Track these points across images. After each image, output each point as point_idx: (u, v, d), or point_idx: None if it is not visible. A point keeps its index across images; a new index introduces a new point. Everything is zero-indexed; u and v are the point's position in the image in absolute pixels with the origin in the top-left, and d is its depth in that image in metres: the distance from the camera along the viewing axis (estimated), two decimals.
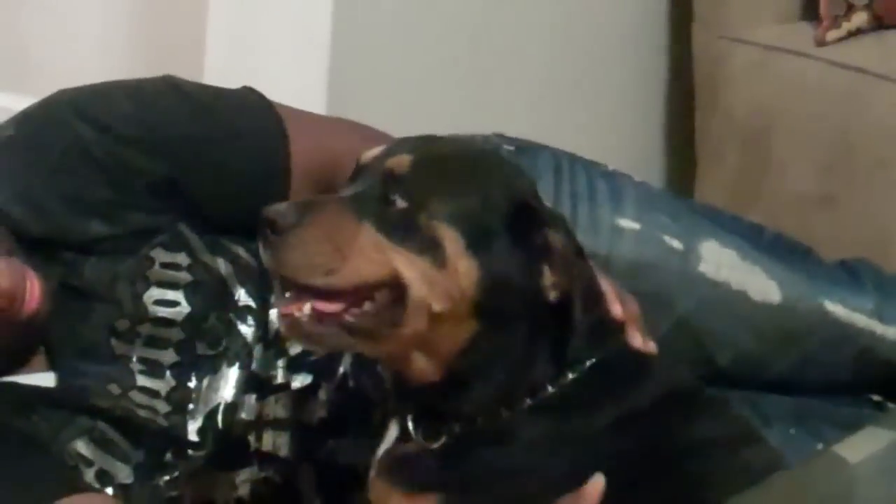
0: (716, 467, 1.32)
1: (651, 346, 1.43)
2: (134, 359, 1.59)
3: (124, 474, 1.56)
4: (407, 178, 1.30)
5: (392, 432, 1.38)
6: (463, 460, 1.32)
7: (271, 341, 1.61)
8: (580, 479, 1.27)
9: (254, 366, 1.60)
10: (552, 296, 1.31)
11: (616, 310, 1.40)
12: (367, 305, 1.29)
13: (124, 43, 2.43)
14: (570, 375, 1.34)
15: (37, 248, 1.58)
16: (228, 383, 1.59)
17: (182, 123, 1.61)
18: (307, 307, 1.28)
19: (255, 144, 1.63)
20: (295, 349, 1.61)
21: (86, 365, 1.59)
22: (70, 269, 1.59)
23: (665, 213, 1.91)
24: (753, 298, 1.89)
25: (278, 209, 1.27)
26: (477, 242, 1.29)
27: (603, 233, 1.86)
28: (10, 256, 1.53)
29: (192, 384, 1.59)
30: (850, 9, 2.47)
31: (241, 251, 1.63)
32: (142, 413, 1.57)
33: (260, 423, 1.61)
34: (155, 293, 1.59)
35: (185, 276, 1.59)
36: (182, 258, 1.60)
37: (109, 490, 1.55)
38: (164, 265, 1.59)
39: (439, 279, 1.28)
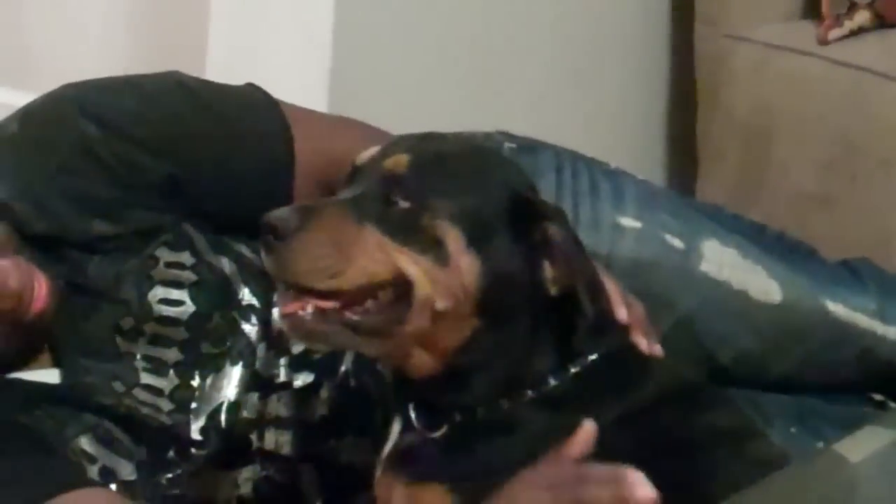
0: (720, 462, 1.32)
1: (656, 350, 1.44)
2: (138, 357, 1.59)
3: (128, 471, 1.56)
4: (406, 178, 1.30)
5: (395, 428, 1.38)
6: (464, 450, 1.33)
7: (274, 340, 1.61)
8: None
9: (257, 364, 1.61)
10: (553, 290, 1.32)
11: (621, 313, 1.41)
12: (370, 303, 1.29)
13: (126, 40, 2.43)
14: (573, 369, 1.34)
15: (41, 246, 1.59)
16: (232, 382, 1.59)
17: (187, 122, 1.61)
18: (310, 306, 1.28)
19: (260, 143, 1.64)
20: (297, 348, 1.61)
21: (90, 362, 1.59)
22: (74, 268, 1.60)
23: (666, 212, 1.91)
24: (755, 298, 1.89)
25: (280, 215, 1.27)
26: (478, 239, 1.30)
27: (604, 231, 1.86)
28: (17, 255, 1.54)
29: (196, 382, 1.59)
30: (853, 7, 2.47)
31: (244, 250, 1.63)
32: (145, 411, 1.57)
33: (262, 422, 1.61)
34: (159, 292, 1.59)
35: (189, 276, 1.60)
36: (186, 257, 1.60)
37: (113, 487, 1.55)
38: (169, 264, 1.59)
39: (442, 277, 1.29)
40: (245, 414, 1.60)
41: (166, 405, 1.58)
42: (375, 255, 1.28)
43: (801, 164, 2.48)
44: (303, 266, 1.26)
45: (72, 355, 1.60)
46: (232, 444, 1.60)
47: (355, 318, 1.29)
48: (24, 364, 1.60)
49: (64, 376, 1.60)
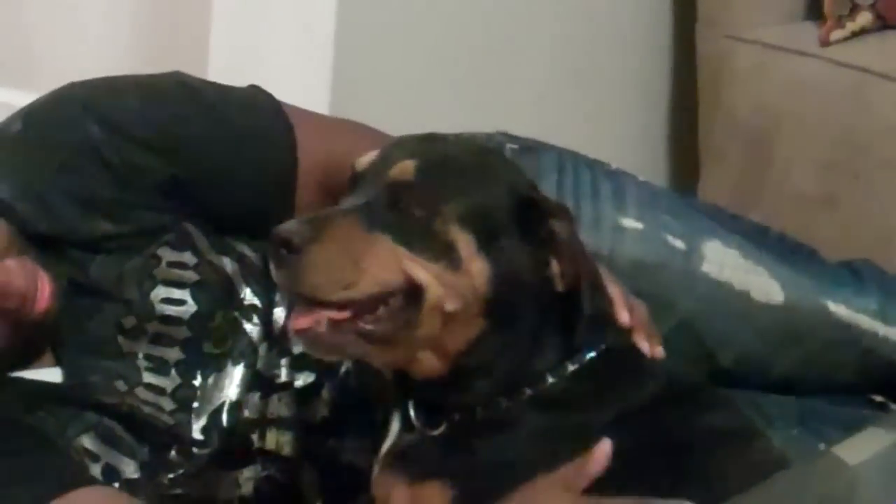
0: (719, 463, 1.32)
1: (658, 352, 1.44)
2: (140, 356, 1.59)
3: (131, 469, 1.57)
4: (414, 185, 1.31)
5: (394, 427, 1.39)
6: (463, 449, 1.33)
7: (275, 340, 1.61)
8: None
9: (258, 364, 1.61)
10: (560, 286, 1.33)
11: (623, 317, 1.41)
12: (381, 310, 1.30)
13: (128, 40, 2.43)
14: (571, 367, 1.35)
15: (43, 245, 1.59)
16: (233, 382, 1.60)
17: (191, 123, 1.61)
18: (324, 319, 1.28)
19: (263, 144, 1.64)
20: (298, 348, 1.61)
21: (93, 361, 1.59)
22: (77, 268, 1.60)
23: (668, 213, 1.91)
24: (756, 299, 1.89)
25: (291, 228, 1.26)
26: (488, 242, 1.31)
27: (605, 232, 1.87)
28: (22, 256, 1.54)
29: (198, 382, 1.59)
30: (855, 9, 2.47)
31: (246, 250, 1.63)
32: (147, 410, 1.58)
33: (263, 422, 1.62)
34: (162, 292, 1.59)
35: (191, 275, 1.60)
36: (188, 257, 1.60)
37: (116, 485, 1.55)
38: (171, 264, 1.60)
39: (454, 281, 1.29)
40: (246, 414, 1.61)
41: (168, 404, 1.59)
42: (388, 263, 1.28)
43: (802, 164, 2.48)
44: (318, 279, 1.26)
45: (74, 354, 1.60)
46: (233, 443, 1.60)
47: (368, 327, 1.30)
48: (26, 363, 1.60)
49: (66, 375, 1.60)
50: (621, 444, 1.27)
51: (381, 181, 1.32)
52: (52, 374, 1.61)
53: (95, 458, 1.56)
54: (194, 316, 1.60)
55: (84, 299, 1.60)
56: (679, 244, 1.89)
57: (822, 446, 1.74)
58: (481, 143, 1.81)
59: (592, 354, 1.36)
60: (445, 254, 1.29)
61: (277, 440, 1.62)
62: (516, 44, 2.55)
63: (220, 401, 1.59)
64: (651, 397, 1.36)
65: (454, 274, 1.29)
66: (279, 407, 1.62)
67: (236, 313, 1.60)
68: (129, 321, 1.60)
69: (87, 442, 1.56)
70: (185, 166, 1.60)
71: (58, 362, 1.62)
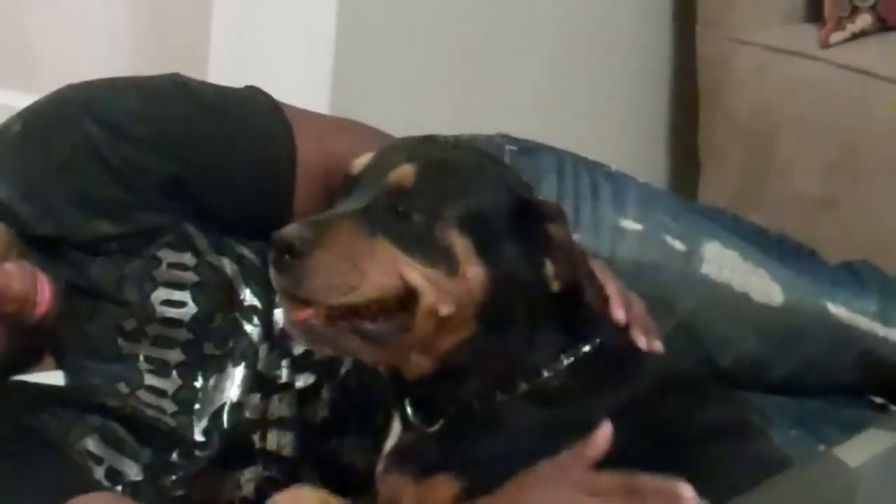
0: (719, 458, 1.33)
1: (657, 347, 1.44)
2: (141, 358, 1.59)
3: (134, 472, 1.57)
4: (413, 190, 1.31)
5: (396, 427, 1.39)
6: (463, 443, 1.34)
7: (276, 341, 1.61)
8: None
9: (259, 365, 1.61)
10: (554, 287, 1.34)
11: (619, 314, 1.42)
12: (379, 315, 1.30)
13: (129, 41, 2.43)
14: (566, 361, 1.35)
15: (44, 247, 1.59)
16: (234, 383, 1.60)
17: (190, 123, 1.61)
18: (321, 311, 1.29)
19: (262, 144, 1.64)
20: (299, 349, 1.62)
21: (93, 364, 1.60)
22: (76, 270, 1.60)
23: (668, 214, 1.92)
24: (756, 300, 1.90)
25: (292, 232, 1.26)
26: (485, 247, 1.32)
27: (605, 233, 1.87)
28: (22, 259, 1.54)
29: (199, 384, 1.59)
30: (855, 11, 2.47)
31: (245, 251, 1.63)
32: (150, 412, 1.58)
33: (264, 423, 1.62)
34: (162, 293, 1.59)
35: (191, 277, 1.60)
36: (188, 258, 1.60)
37: (119, 488, 1.55)
38: (171, 265, 1.60)
39: (451, 286, 1.30)
40: (247, 415, 1.61)
41: (170, 406, 1.59)
42: (388, 268, 1.29)
43: (802, 166, 2.48)
44: (319, 283, 1.26)
45: (75, 357, 1.60)
46: (234, 444, 1.60)
47: (364, 325, 1.30)
48: (27, 366, 1.60)
49: (68, 378, 1.60)
50: (621, 437, 1.28)
51: (380, 185, 1.32)
52: (54, 378, 1.61)
53: (99, 460, 1.56)
54: (195, 317, 1.60)
55: (84, 302, 1.60)
56: (679, 245, 1.89)
57: (821, 447, 1.74)
58: (480, 145, 1.81)
59: (587, 349, 1.36)
60: (444, 259, 1.30)
61: (278, 441, 1.62)
62: (517, 45, 2.55)
63: (221, 402, 1.59)
64: (650, 390, 1.36)
65: (451, 279, 1.30)
66: (280, 408, 1.62)
67: (236, 314, 1.60)
68: (130, 323, 1.60)
69: (91, 445, 1.56)
70: (185, 166, 1.60)
71: (59, 365, 1.62)
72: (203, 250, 1.61)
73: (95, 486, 1.50)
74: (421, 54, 2.41)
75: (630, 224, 1.89)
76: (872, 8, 2.47)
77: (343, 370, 1.62)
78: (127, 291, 1.59)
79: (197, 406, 1.59)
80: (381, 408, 1.43)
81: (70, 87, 1.63)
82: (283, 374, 1.62)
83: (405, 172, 1.32)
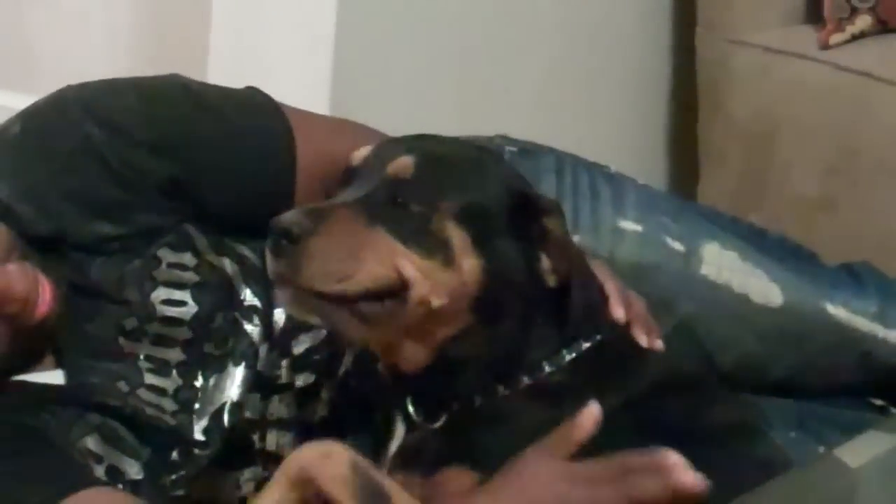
0: (721, 457, 1.32)
1: (657, 345, 1.45)
2: (141, 357, 1.60)
3: (134, 471, 1.57)
4: (413, 181, 1.32)
5: (399, 429, 1.39)
6: (468, 436, 1.34)
7: (276, 341, 1.62)
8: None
9: (259, 365, 1.61)
10: (551, 281, 1.35)
11: (618, 312, 1.42)
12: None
13: (128, 41, 2.43)
14: (567, 356, 1.36)
15: (44, 248, 1.59)
16: (234, 382, 1.60)
17: (190, 123, 1.61)
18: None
19: (262, 145, 1.64)
20: (299, 349, 1.62)
21: (94, 363, 1.60)
22: (76, 270, 1.60)
23: (667, 216, 1.92)
24: (755, 301, 1.90)
25: (291, 218, 1.27)
26: (482, 239, 1.32)
27: (604, 234, 1.87)
28: (22, 260, 1.54)
29: (199, 383, 1.59)
30: (854, 12, 2.47)
31: (245, 251, 1.63)
32: (150, 412, 1.58)
33: (264, 423, 1.62)
34: (162, 293, 1.59)
35: (191, 276, 1.60)
36: (188, 258, 1.60)
37: (119, 487, 1.55)
38: (171, 265, 1.60)
39: (445, 278, 1.31)
40: (247, 414, 1.61)
41: (170, 405, 1.59)
42: (384, 258, 1.29)
43: (802, 168, 2.48)
44: (315, 270, 1.27)
45: (76, 357, 1.60)
46: (234, 444, 1.60)
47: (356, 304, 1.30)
48: (28, 366, 1.60)
49: (68, 377, 1.60)
50: (622, 434, 1.28)
51: (379, 176, 1.33)
52: (54, 377, 1.61)
53: (99, 459, 1.56)
54: (195, 317, 1.60)
55: (85, 301, 1.60)
56: (678, 246, 1.89)
57: (821, 449, 1.74)
58: (474, 143, 1.81)
59: (588, 345, 1.37)
60: (440, 250, 1.31)
61: (278, 441, 1.62)
62: (516, 46, 2.56)
63: (222, 401, 1.59)
64: (652, 387, 1.37)
65: (446, 271, 1.31)
66: (280, 408, 1.62)
67: (237, 314, 1.60)
68: (130, 323, 1.60)
69: (91, 443, 1.56)
70: (185, 167, 1.60)
71: (59, 365, 1.62)
72: (203, 250, 1.61)
73: (96, 484, 1.50)
74: (421, 54, 2.41)
75: (629, 225, 1.89)
76: (872, 9, 2.47)
77: (342, 370, 1.62)
78: (127, 291, 1.59)
79: (197, 405, 1.59)
80: (382, 410, 1.43)
81: (70, 88, 1.63)
82: (283, 375, 1.62)
83: (404, 163, 1.33)
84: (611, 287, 1.45)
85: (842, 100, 2.43)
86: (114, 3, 2.44)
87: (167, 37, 2.40)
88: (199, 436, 1.58)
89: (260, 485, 1.62)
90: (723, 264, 1.90)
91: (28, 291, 1.51)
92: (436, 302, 1.31)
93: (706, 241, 1.91)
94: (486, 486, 1.28)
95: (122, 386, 1.58)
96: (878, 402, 1.94)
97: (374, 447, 1.44)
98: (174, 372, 1.59)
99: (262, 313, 1.61)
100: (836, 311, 1.91)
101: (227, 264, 1.61)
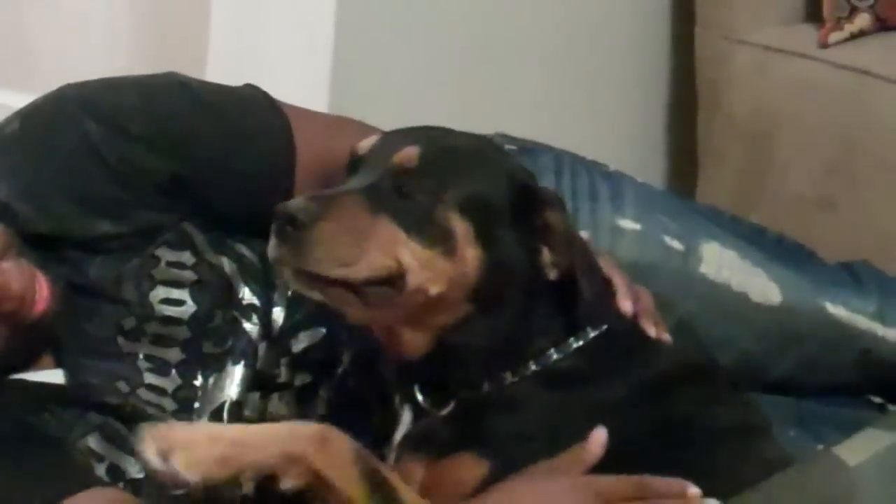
0: (726, 456, 1.34)
1: (665, 338, 1.46)
2: (141, 356, 1.59)
3: (135, 469, 1.56)
4: (418, 171, 1.32)
5: (405, 417, 1.40)
6: (477, 422, 1.35)
7: (275, 340, 1.62)
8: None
9: (258, 364, 1.61)
10: (552, 274, 1.35)
11: (626, 305, 1.43)
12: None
13: (128, 41, 2.43)
14: (574, 344, 1.36)
15: (42, 246, 1.59)
16: (234, 381, 1.60)
17: (189, 121, 1.62)
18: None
19: (262, 143, 1.64)
20: (297, 347, 1.62)
21: (93, 363, 1.59)
22: (75, 269, 1.60)
23: (666, 214, 1.92)
24: (754, 300, 1.90)
25: (297, 204, 1.28)
26: (484, 230, 1.33)
27: (603, 233, 1.87)
28: (20, 258, 1.54)
29: (198, 382, 1.59)
30: (853, 11, 2.47)
31: (244, 250, 1.63)
32: (150, 411, 1.58)
33: (263, 422, 1.61)
34: (161, 292, 1.59)
35: (190, 275, 1.60)
36: (187, 257, 1.60)
37: (120, 485, 1.55)
38: (170, 264, 1.60)
39: (444, 267, 1.32)
40: (247, 413, 1.61)
41: (170, 405, 1.59)
42: (387, 246, 1.30)
43: (801, 166, 2.48)
44: (319, 254, 1.28)
45: (75, 356, 1.60)
46: None
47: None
48: (26, 366, 1.60)
49: (68, 377, 1.60)
50: (629, 424, 1.30)
51: (384, 166, 1.34)
52: (54, 376, 1.61)
53: (100, 458, 1.56)
54: (194, 316, 1.60)
55: (83, 300, 1.60)
56: (677, 245, 1.89)
57: (820, 447, 1.74)
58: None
59: (595, 334, 1.38)
60: (442, 240, 1.31)
61: None
62: (516, 45, 2.56)
63: (221, 400, 1.59)
64: (661, 377, 1.38)
65: (446, 260, 1.31)
66: (279, 406, 1.62)
67: (235, 313, 1.61)
68: (129, 322, 1.60)
69: (92, 442, 1.56)
70: (184, 164, 1.60)
71: (58, 364, 1.61)
72: (202, 249, 1.61)
73: (97, 484, 1.50)
74: (420, 54, 2.42)
75: (628, 224, 1.89)
76: (871, 8, 2.47)
77: (340, 369, 1.62)
78: (126, 290, 1.59)
79: (197, 404, 1.59)
80: (389, 398, 1.44)
81: (69, 87, 1.63)
82: (283, 373, 1.62)
83: (410, 153, 1.34)
84: (618, 280, 1.46)
85: (841, 98, 2.43)
86: (114, 3, 2.44)
87: (167, 37, 2.40)
88: None
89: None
90: (722, 263, 1.90)
91: (25, 289, 1.51)
92: (433, 290, 1.31)
93: (705, 239, 1.91)
94: (498, 486, 1.28)
95: (123, 386, 1.58)
96: (877, 399, 1.94)
97: (372, 445, 1.44)
98: (174, 371, 1.59)
99: (260, 312, 1.61)
100: (835, 309, 1.91)
101: (226, 263, 1.61)
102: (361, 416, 1.58)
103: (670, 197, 2.08)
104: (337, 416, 1.62)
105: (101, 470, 1.55)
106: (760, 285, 1.90)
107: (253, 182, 1.63)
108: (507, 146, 1.93)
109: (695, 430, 1.35)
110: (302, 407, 1.62)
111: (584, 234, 1.79)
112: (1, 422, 1.53)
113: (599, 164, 1.98)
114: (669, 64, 2.83)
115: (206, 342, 1.60)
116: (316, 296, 1.33)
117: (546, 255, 1.35)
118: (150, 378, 1.59)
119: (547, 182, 1.87)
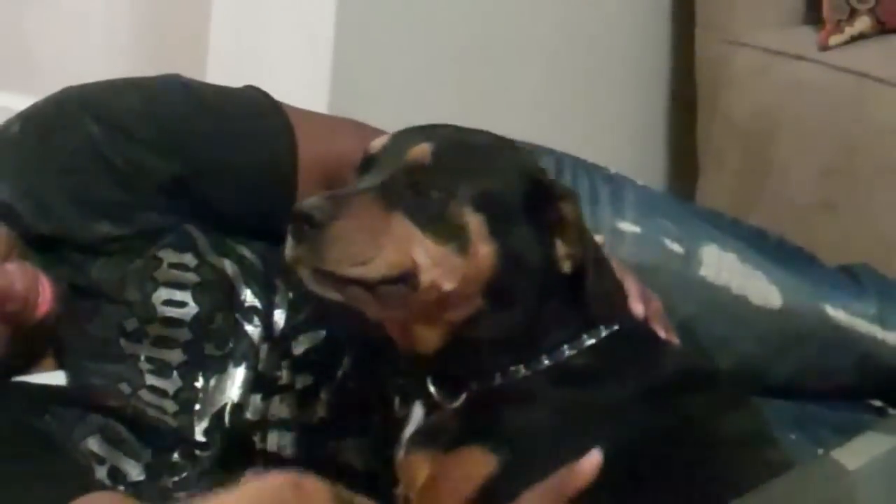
0: (733, 464, 1.34)
1: (676, 341, 1.48)
2: (142, 358, 1.59)
3: (136, 472, 1.57)
4: (431, 168, 1.33)
5: (416, 412, 1.40)
6: (489, 416, 1.35)
7: (276, 342, 1.62)
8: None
9: (259, 366, 1.61)
10: (566, 266, 1.35)
11: (637, 308, 1.44)
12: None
13: (128, 42, 2.43)
14: (587, 340, 1.37)
15: (44, 248, 1.59)
16: (235, 383, 1.60)
17: (191, 122, 1.62)
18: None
19: (264, 144, 1.64)
20: (299, 349, 1.62)
21: (95, 365, 1.59)
22: (77, 270, 1.60)
23: (666, 217, 1.92)
24: (754, 303, 1.90)
25: (313, 204, 1.28)
26: (499, 226, 1.33)
27: (603, 236, 1.87)
28: (23, 260, 1.54)
29: (200, 384, 1.59)
30: (853, 13, 2.47)
31: (246, 252, 1.64)
32: (151, 413, 1.58)
33: (265, 424, 1.61)
34: (163, 293, 1.60)
35: (192, 277, 1.60)
36: (189, 259, 1.60)
37: (121, 488, 1.55)
38: (172, 265, 1.60)
39: (458, 263, 1.31)
40: (248, 415, 1.61)
41: (171, 407, 1.59)
42: (402, 243, 1.30)
43: (801, 169, 2.48)
44: (336, 252, 1.28)
45: (76, 358, 1.60)
46: (235, 445, 1.60)
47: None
48: (28, 367, 1.60)
49: (70, 379, 1.60)
50: (638, 424, 1.31)
51: (397, 163, 1.34)
52: (55, 378, 1.61)
53: (101, 460, 1.56)
54: (195, 318, 1.60)
55: (85, 302, 1.60)
56: (677, 248, 1.89)
57: (820, 451, 1.73)
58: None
59: (608, 332, 1.38)
60: (456, 236, 1.31)
61: (279, 442, 1.62)
62: (516, 46, 2.56)
63: (222, 402, 1.59)
64: (672, 378, 1.38)
65: (459, 256, 1.31)
66: (280, 408, 1.62)
67: (237, 315, 1.61)
68: (131, 323, 1.60)
69: (93, 445, 1.56)
70: (187, 166, 1.60)
71: (60, 366, 1.62)
72: (204, 251, 1.61)
73: (98, 487, 1.50)
74: (420, 54, 2.41)
75: (628, 227, 1.89)
76: (871, 11, 2.47)
77: (340, 372, 1.62)
78: (128, 292, 1.59)
79: (198, 406, 1.59)
80: (389, 399, 1.44)
81: (69, 89, 1.64)
82: (284, 375, 1.62)
83: (423, 150, 1.34)
84: (630, 284, 1.47)
85: (841, 101, 2.43)
86: (114, 4, 2.43)
87: (167, 37, 2.40)
88: (200, 437, 1.58)
89: None
90: (722, 266, 1.90)
91: (28, 290, 1.51)
92: (446, 287, 1.31)
93: (705, 242, 1.91)
94: None
95: (124, 387, 1.58)
96: (877, 403, 1.94)
97: (373, 447, 1.44)
98: (175, 373, 1.59)
99: (262, 314, 1.61)
100: (835, 312, 1.91)
101: (228, 265, 1.61)
102: (362, 417, 1.59)
103: (670, 200, 2.08)
104: (337, 418, 1.63)
105: (101, 472, 1.55)
106: (760, 288, 1.90)
107: (255, 183, 1.63)
108: None
109: (703, 435, 1.35)
110: (303, 409, 1.62)
111: (598, 238, 1.81)
112: (2, 424, 1.53)
113: (600, 167, 1.98)
114: (669, 65, 2.83)
115: (208, 344, 1.60)
116: (332, 295, 1.33)
117: (560, 247, 1.35)
118: (151, 380, 1.59)
119: None
